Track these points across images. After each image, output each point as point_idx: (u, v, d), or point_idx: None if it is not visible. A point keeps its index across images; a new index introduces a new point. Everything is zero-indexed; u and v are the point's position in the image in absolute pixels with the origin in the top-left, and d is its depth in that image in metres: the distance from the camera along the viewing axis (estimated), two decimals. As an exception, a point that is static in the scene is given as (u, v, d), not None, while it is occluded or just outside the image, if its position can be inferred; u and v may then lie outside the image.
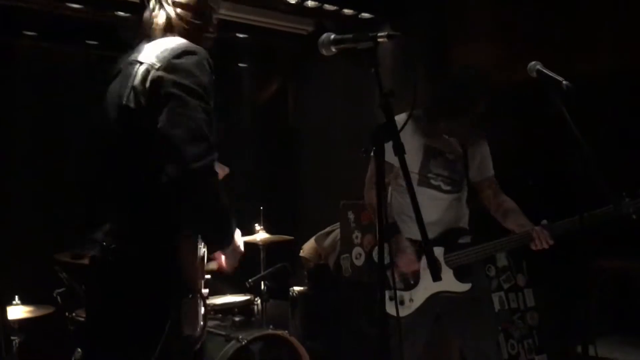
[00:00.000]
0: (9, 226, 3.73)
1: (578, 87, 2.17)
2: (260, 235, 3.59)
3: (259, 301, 3.53)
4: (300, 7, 4.30)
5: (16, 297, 3.18)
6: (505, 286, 3.95)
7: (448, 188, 2.61)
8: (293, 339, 3.12)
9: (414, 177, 2.57)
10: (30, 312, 3.15)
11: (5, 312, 3.07)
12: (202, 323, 1.67)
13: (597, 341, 3.73)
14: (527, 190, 3.99)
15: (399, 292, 2.54)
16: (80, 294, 3.07)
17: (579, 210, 2.18)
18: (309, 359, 3.10)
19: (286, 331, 3.22)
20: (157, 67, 1.61)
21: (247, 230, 3.63)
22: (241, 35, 4.90)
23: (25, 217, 3.95)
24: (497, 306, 3.90)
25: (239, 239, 1.84)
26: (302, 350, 3.08)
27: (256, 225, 3.63)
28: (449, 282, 2.54)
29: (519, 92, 3.62)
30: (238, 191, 4.92)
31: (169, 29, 1.74)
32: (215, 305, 3.43)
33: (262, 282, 3.45)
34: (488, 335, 2.69)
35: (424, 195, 2.56)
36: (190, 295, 1.63)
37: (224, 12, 4.51)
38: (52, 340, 3.29)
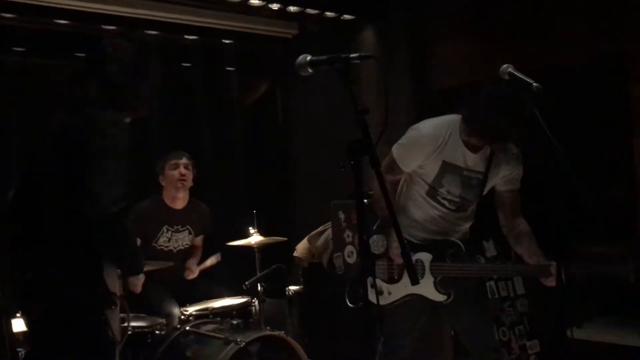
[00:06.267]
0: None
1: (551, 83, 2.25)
2: (255, 238, 3.67)
3: (256, 302, 3.61)
4: (283, 12, 4.39)
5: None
6: (495, 275, 4.05)
7: (453, 208, 2.63)
8: (289, 339, 3.22)
9: (424, 187, 2.62)
10: (34, 324, 3.23)
11: (10, 325, 3.16)
12: (120, 325, 2.17)
13: (586, 324, 3.86)
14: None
15: (379, 282, 2.63)
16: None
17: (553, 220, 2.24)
18: (305, 357, 3.20)
19: (282, 332, 3.31)
20: None
21: (242, 234, 3.73)
22: (227, 41, 4.99)
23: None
24: (487, 295, 4.01)
25: None
26: (299, 349, 3.18)
27: (250, 228, 3.71)
28: (428, 290, 2.60)
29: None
30: (231, 195, 5.04)
31: None
32: (213, 308, 3.51)
33: (259, 284, 3.54)
34: (484, 322, 2.75)
35: (428, 204, 2.63)
36: (113, 307, 1.99)
37: (210, 20, 4.64)
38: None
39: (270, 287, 3.69)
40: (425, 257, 2.63)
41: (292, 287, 4.11)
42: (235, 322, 3.27)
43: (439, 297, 2.59)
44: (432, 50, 4.57)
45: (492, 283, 4.03)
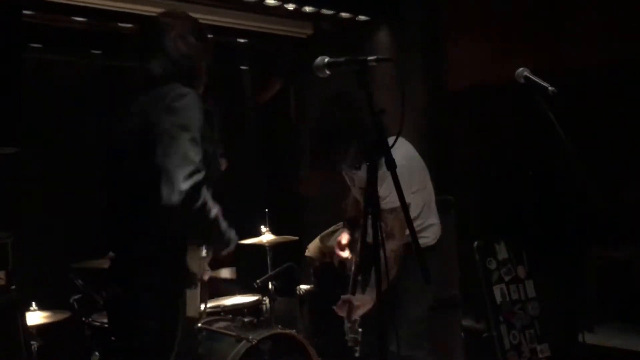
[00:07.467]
0: (26, 235, 3.84)
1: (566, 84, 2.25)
2: (267, 236, 3.69)
3: (267, 301, 3.63)
4: (298, 12, 4.41)
5: (33, 303, 3.31)
6: (506, 278, 4.03)
7: None
8: (300, 337, 3.23)
9: None
10: (47, 317, 3.26)
11: (24, 318, 3.20)
12: (201, 306, 2.06)
13: (597, 328, 3.84)
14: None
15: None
16: (97, 299, 3.18)
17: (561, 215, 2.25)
18: (316, 355, 3.21)
19: (294, 330, 3.33)
20: None
21: (254, 233, 3.75)
22: (242, 40, 5.01)
23: (41, 226, 4.07)
24: (498, 298, 3.99)
25: None
26: (310, 347, 3.19)
27: (262, 227, 3.73)
28: None
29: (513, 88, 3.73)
30: (243, 194, 5.05)
31: None
32: (225, 306, 3.53)
33: (270, 282, 3.55)
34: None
35: None
36: (193, 286, 1.94)
37: (225, 19, 4.65)
38: (69, 344, 3.40)
39: (282, 285, 3.70)
40: None
41: (303, 286, 4.11)
42: (246, 320, 3.29)
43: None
44: (447, 51, 4.57)
45: (503, 286, 4.01)
